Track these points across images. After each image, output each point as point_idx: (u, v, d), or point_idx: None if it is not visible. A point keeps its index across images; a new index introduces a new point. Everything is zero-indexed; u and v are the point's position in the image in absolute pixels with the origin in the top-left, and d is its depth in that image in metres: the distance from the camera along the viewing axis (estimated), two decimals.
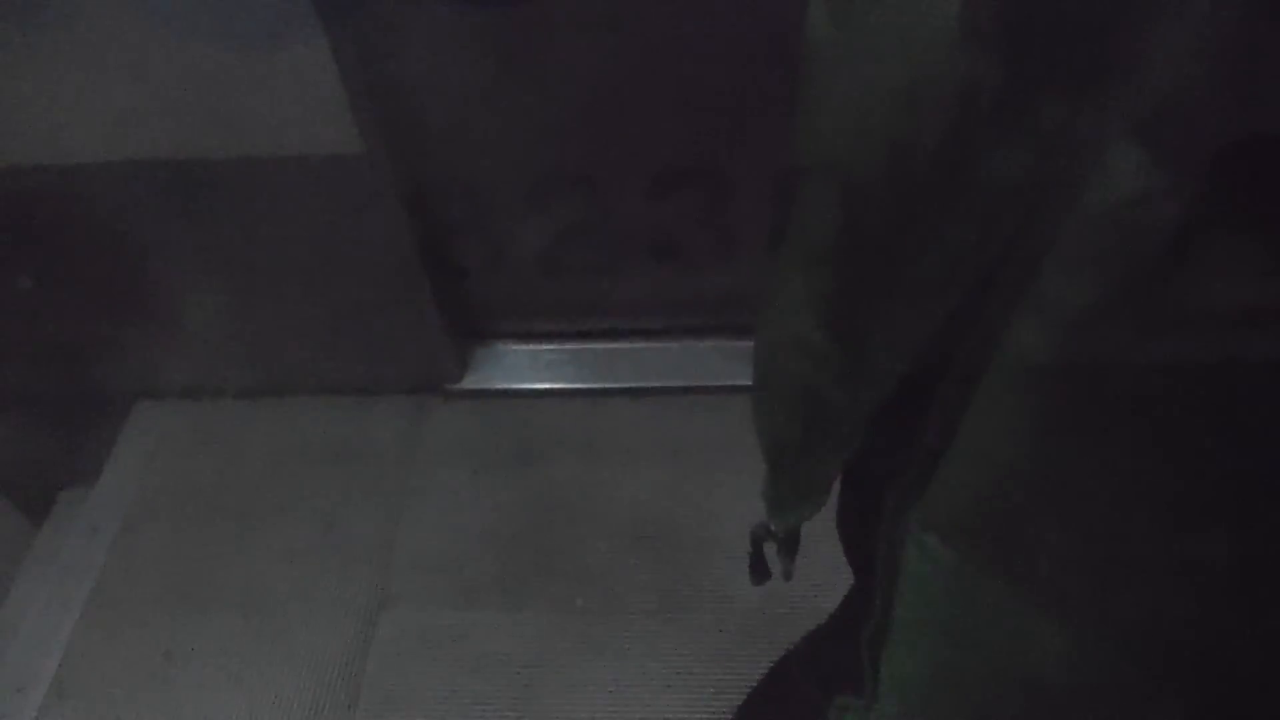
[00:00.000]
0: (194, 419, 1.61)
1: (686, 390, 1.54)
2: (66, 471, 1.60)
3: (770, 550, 0.76)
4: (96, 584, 1.42)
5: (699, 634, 1.28)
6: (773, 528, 0.71)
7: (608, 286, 1.52)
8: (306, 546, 1.43)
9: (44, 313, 1.45)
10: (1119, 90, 0.30)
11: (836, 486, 0.65)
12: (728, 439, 1.48)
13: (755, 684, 1.17)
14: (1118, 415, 0.35)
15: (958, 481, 0.42)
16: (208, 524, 1.47)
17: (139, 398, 1.64)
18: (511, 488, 1.47)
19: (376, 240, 1.33)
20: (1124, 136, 0.31)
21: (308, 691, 1.28)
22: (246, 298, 1.44)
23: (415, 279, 1.39)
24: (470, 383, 1.59)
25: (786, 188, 0.50)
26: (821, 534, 0.79)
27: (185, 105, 1.16)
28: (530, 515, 1.43)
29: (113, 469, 1.56)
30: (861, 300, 0.47)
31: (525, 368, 1.59)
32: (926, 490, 0.44)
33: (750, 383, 0.65)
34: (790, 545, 0.73)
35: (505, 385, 1.58)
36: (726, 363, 1.54)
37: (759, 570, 0.78)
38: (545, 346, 1.60)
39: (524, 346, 1.61)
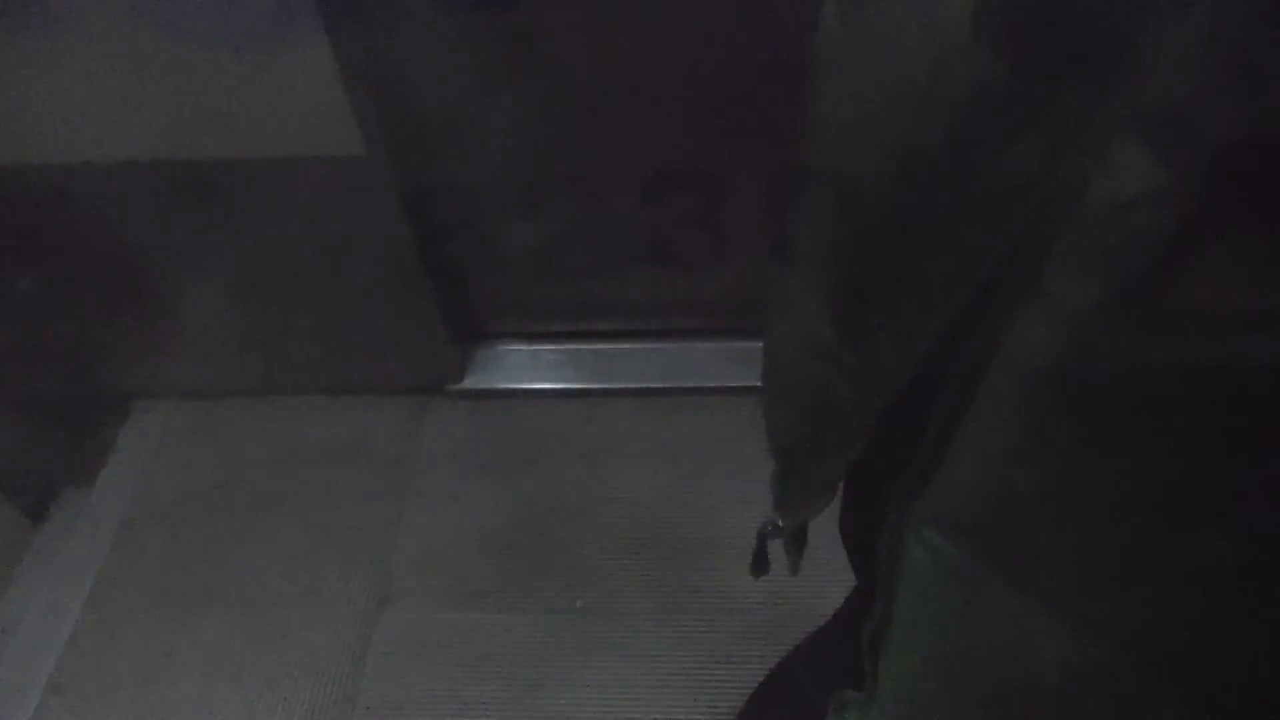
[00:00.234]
0: (194, 419, 1.61)
1: (686, 391, 1.54)
2: (66, 471, 1.59)
3: (774, 546, 0.76)
4: (96, 583, 1.42)
5: (698, 634, 1.28)
6: (780, 524, 0.71)
7: (607, 288, 1.52)
8: (306, 547, 1.43)
9: (44, 312, 1.45)
10: (1126, 88, 0.30)
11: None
12: (727, 440, 1.48)
13: (756, 684, 1.17)
14: (1119, 415, 0.35)
15: (960, 478, 0.42)
16: (207, 524, 1.47)
17: (139, 397, 1.64)
18: (511, 488, 1.47)
19: (377, 241, 1.33)
20: (1129, 135, 0.31)
21: (307, 691, 1.28)
22: (247, 298, 1.44)
23: (415, 279, 1.39)
24: (470, 383, 1.59)
25: (797, 187, 0.50)
26: (822, 536, 0.79)
27: (186, 106, 1.16)
28: (530, 516, 1.43)
29: (113, 469, 1.56)
30: (870, 299, 0.47)
31: (525, 368, 1.59)
32: (929, 486, 0.44)
33: (756, 383, 0.65)
34: (798, 541, 0.74)
35: (505, 386, 1.58)
36: (726, 364, 1.55)
37: (760, 564, 0.78)
38: (545, 347, 1.60)
39: (524, 347, 1.61)
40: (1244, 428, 0.33)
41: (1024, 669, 0.44)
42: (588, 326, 1.59)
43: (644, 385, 1.55)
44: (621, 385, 1.56)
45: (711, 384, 1.54)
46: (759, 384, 0.65)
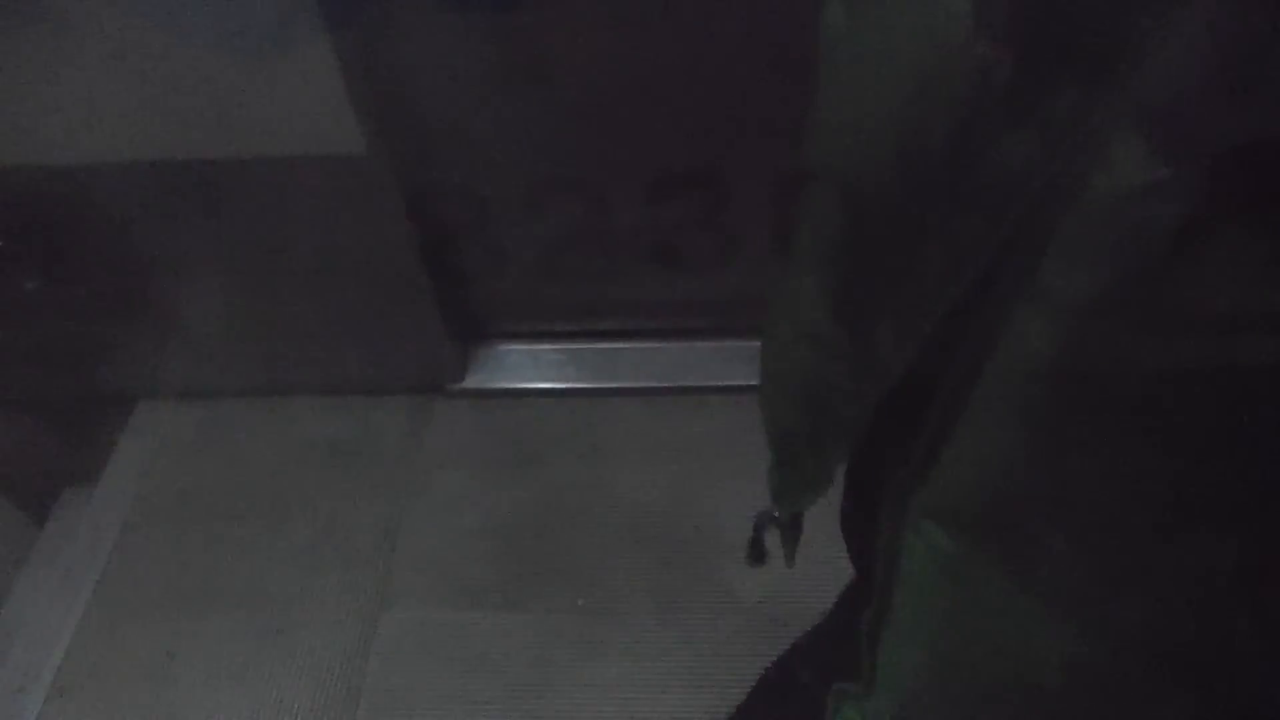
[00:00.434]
0: (196, 419, 1.61)
1: (687, 390, 1.54)
2: (68, 471, 1.60)
3: (772, 537, 0.76)
4: (98, 584, 1.42)
5: (700, 634, 1.28)
6: (776, 514, 0.72)
7: (608, 287, 1.52)
8: (308, 546, 1.43)
9: (47, 313, 1.45)
10: (1126, 83, 0.30)
11: (839, 478, 0.65)
12: (728, 439, 1.48)
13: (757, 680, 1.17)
14: (1118, 411, 0.35)
15: (959, 473, 0.42)
16: (209, 524, 1.47)
17: (141, 398, 1.64)
18: (512, 488, 1.47)
19: (378, 241, 1.33)
20: (1130, 128, 0.31)
21: (309, 691, 1.28)
22: (248, 298, 1.44)
23: (417, 279, 1.40)
24: (471, 383, 1.59)
25: (798, 180, 0.51)
26: (823, 533, 0.80)
27: (188, 106, 1.16)
28: (531, 515, 1.43)
29: (115, 469, 1.56)
30: (868, 289, 0.47)
31: (526, 368, 1.59)
32: (928, 481, 0.44)
33: (754, 381, 0.65)
34: (794, 532, 0.74)
35: (506, 385, 1.58)
36: (727, 363, 1.55)
37: (757, 553, 0.78)
38: (546, 346, 1.60)
39: (525, 346, 1.61)
40: (1245, 426, 0.32)
41: (1025, 665, 0.44)
42: (589, 326, 1.59)
43: (645, 385, 1.55)
44: (622, 385, 1.56)
45: (712, 383, 1.54)
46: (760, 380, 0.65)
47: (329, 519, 1.46)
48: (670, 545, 1.38)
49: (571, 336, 1.60)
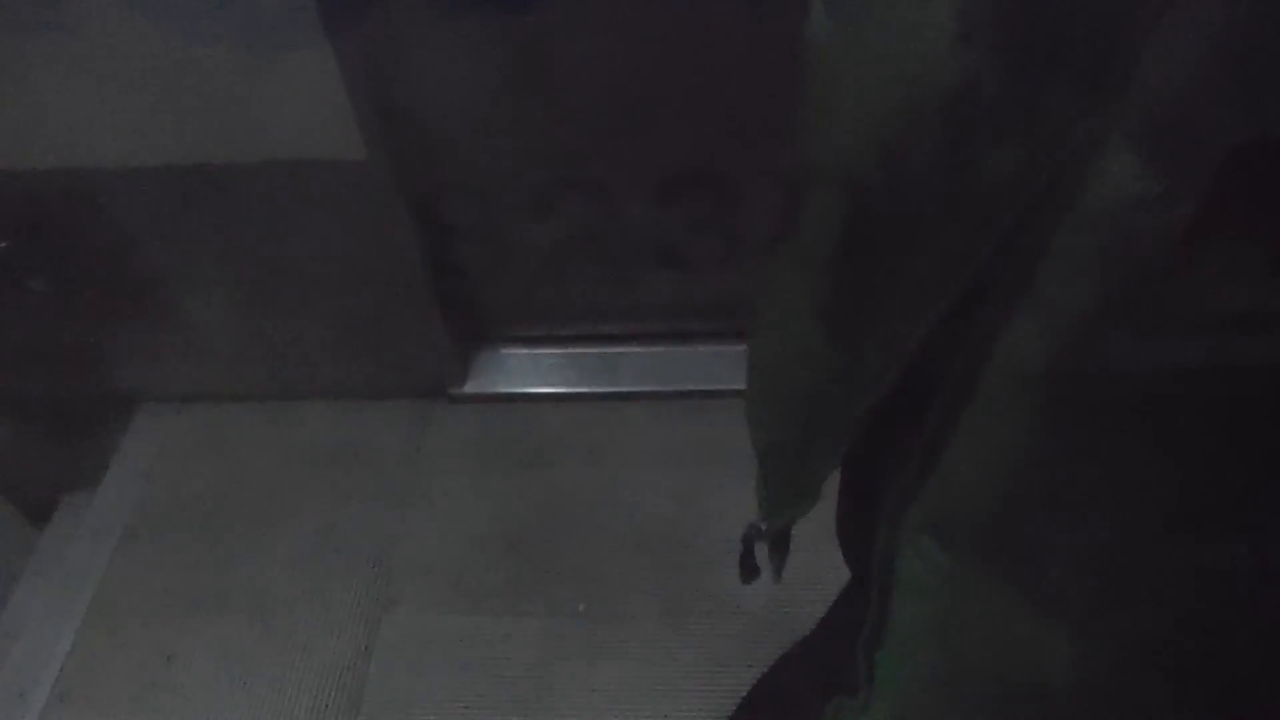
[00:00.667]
0: (197, 423, 1.61)
1: (690, 395, 1.54)
2: (69, 475, 1.60)
3: (762, 551, 0.76)
4: (99, 587, 1.42)
5: (701, 639, 1.28)
6: (764, 527, 0.71)
7: (611, 291, 1.52)
8: (309, 550, 1.43)
9: (49, 315, 1.46)
10: (1118, 93, 0.30)
11: (836, 490, 0.65)
12: (731, 444, 1.46)
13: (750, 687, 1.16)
14: (1115, 418, 0.35)
15: (954, 484, 0.42)
16: (211, 527, 1.47)
17: (142, 401, 1.64)
18: (515, 492, 1.47)
19: (381, 245, 1.33)
20: (1122, 139, 0.30)
21: (311, 695, 1.28)
22: (251, 302, 1.45)
23: (419, 283, 1.40)
24: (474, 387, 1.59)
25: (786, 189, 0.50)
26: (823, 537, 0.79)
27: (191, 111, 1.16)
28: (533, 519, 1.43)
29: (116, 472, 1.56)
30: (857, 300, 0.47)
31: (529, 372, 1.59)
32: (924, 493, 0.44)
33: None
34: (781, 546, 0.73)
35: (509, 389, 1.58)
36: (730, 367, 1.54)
37: (748, 569, 0.78)
38: (549, 351, 1.60)
39: (527, 351, 1.61)
40: (1241, 432, 0.32)
41: (1027, 676, 0.43)
42: (590, 330, 1.59)
43: (647, 389, 1.55)
44: (624, 389, 1.56)
45: (715, 387, 1.53)
46: None
47: (331, 522, 1.46)
48: (672, 550, 1.37)
49: (573, 341, 1.60)
